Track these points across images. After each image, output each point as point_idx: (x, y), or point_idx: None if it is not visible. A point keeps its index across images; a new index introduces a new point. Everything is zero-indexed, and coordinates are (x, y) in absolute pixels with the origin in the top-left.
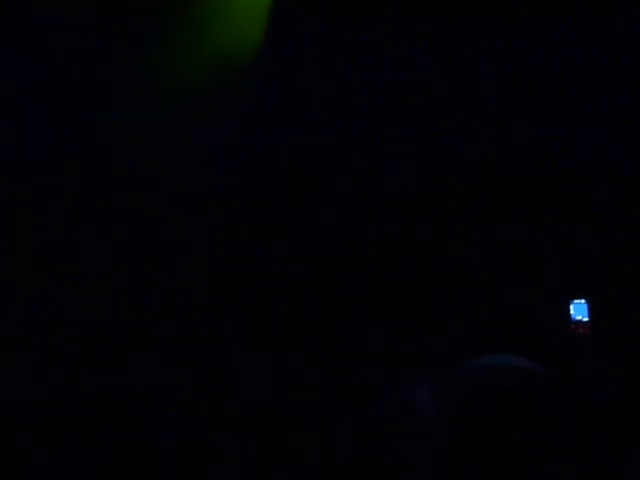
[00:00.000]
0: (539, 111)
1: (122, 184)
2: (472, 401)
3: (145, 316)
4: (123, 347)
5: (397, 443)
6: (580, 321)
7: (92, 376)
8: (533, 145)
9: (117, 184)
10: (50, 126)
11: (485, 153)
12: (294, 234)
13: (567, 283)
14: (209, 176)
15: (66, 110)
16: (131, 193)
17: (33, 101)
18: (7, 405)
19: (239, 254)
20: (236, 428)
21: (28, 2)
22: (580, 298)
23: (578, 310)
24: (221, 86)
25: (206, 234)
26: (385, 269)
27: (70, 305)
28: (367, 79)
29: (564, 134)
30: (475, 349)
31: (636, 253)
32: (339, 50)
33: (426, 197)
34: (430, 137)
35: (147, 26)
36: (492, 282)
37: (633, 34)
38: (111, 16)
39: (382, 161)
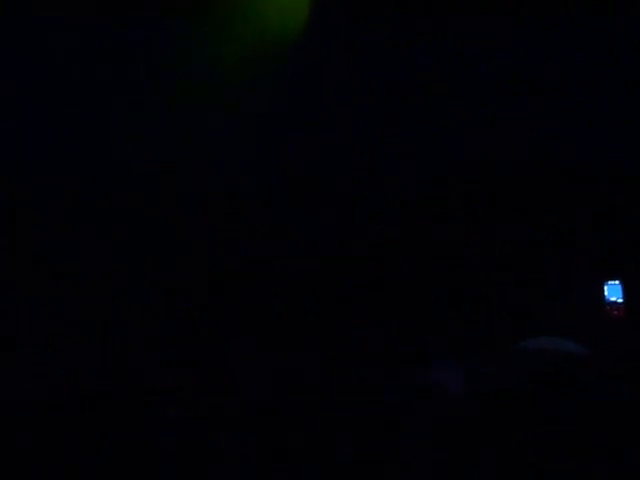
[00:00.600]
0: (539, 111)
1: (122, 184)
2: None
3: (145, 316)
4: (123, 347)
5: (409, 430)
6: (615, 302)
7: (92, 376)
8: (533, 145)
9: (117, 184)
10: (50, 126)
11: (485, 153)
12: (294, 234)
13: (568, 278)
14: (209, 176)
15: (66, 110)
16: (131, 193)
17: (33, 101)
18: (7, 405)
19: (239, 254)
20: (236, 428)
21: (28, 2)
22: (614, 279)
23: (612, 291)
24: (224, 86)
25: (206, 234)
26: (385, 269)
27: (70, 305)
28: (367, 79)
29: (564, 134)
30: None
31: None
32: (339, 50)
33: (426, 197)
34: (430, 137)
35: (158, 25)
36: (494, 281)
37: (633, 34)
38: (124, 13)
39: (382, 161)
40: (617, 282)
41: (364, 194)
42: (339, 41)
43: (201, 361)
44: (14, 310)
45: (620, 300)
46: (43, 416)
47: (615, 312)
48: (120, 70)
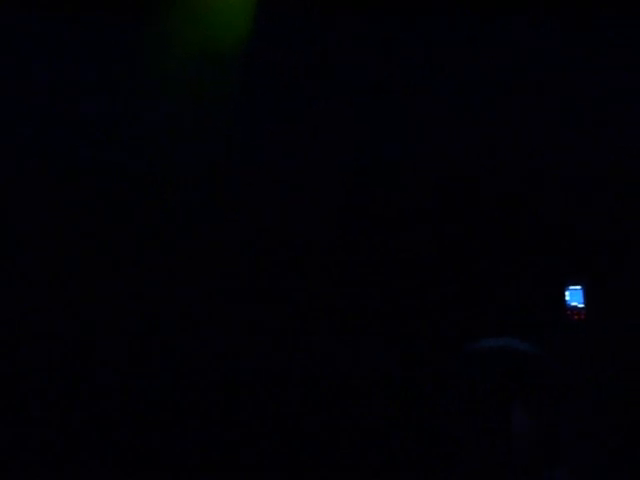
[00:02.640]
0: (539, 111)
1: (119, 184)
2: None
3: (145, 316)
4: (123, 347)
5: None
6: (576, 307)
7: (92, 376)
8: (533, 145)
9: (115, 184)
10: (49, 126)
11: (485, 153)
12: (294, 234)
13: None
14: (203, 174)
15: (64, 110)
16: (128, 193)
17: (33, 101)
18: (7, 404)
19: (240, 254)
20: (237, 429)
21: (28, 2)
22: (576, 284)
23: (574, 296)
24: (207, 84)
25: (205, 234)
26: (384, 269)
27: (70, 305)
28: (365, 78)
29: (564, 134)
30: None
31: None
32: (337, 49)
33: (426, 197)
34: (430, 137)
35: (132, 24)
36: (452, 283)
37: (633, 34)
38: (96, 15)
39: (381, 161)
40: (579, 287)
41: (364, 194)
42: (340, 40)
43: (205, 361)
44: (14, 310)
45: (581, 305)
46: (44, 416)
47: (576, 316)
48: (104, 70)
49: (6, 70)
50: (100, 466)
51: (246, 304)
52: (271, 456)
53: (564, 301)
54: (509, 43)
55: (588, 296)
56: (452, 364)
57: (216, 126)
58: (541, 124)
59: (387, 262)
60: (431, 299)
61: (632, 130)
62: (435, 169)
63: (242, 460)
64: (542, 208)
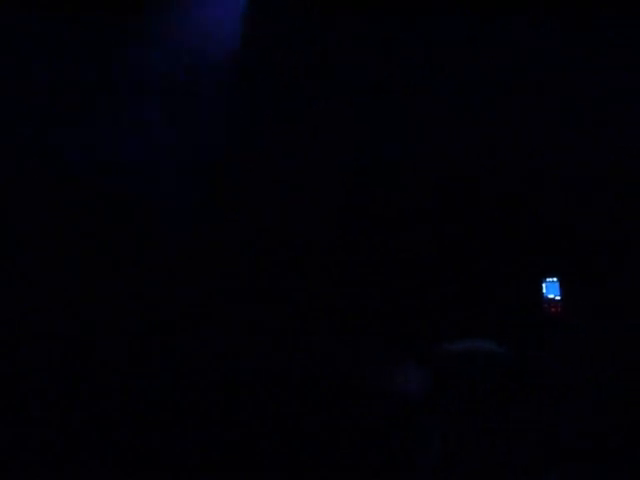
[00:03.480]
0: (539, 111)
1: (119, 184)
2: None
3: (145, 316)
4: (123, 347)
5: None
6: (552, 300)
7: (92, 376)
8: (533, 145)
9: (115, 184)
10: (49, 126)
11: (485, 153)
12: (294, 234)
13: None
14: (203, 174)
15: (64, 110)
16: (127, 193)
17: (33, 101)
18: (7, 403)
19: (240, 254)
20: (237, 429)
21: (28, 2)
22: (552, 276)
23: (550, 289)
24: (207, 84)
25: (205, 234)
26: (384, 269)
27: (70, 305)
28: (365, 78)
29: (564, 134)
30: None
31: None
32: (337, 49)
33: (426, 197)
34: (430, 137)
35: (127, 24)
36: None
37: (633, 34)
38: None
39: (381, 161)
40: (555, 279)
41: (364, 194)
42: (338, 39)
43: (205, 360)
44: (14, 310)
45: (558, 297)
46: (44, 415)
47: (552, 309)
48: (101, 70)
49: (6, 70)
50: (100, 466)
51: (246, 304)
52: (271, 456)
53: (541, 294)
54: (509, 43)
55: (564, 288)
56: (431, 363)
57: (216, 126)
58: (541, 124)
59: (387, 262)
60: (429, 298)
61: (632, 130)
62: (435, 169)
63: (242, 460)
64: (542, 208)
